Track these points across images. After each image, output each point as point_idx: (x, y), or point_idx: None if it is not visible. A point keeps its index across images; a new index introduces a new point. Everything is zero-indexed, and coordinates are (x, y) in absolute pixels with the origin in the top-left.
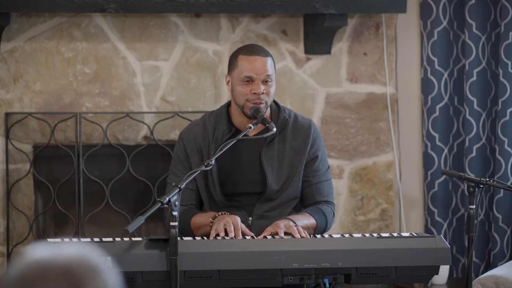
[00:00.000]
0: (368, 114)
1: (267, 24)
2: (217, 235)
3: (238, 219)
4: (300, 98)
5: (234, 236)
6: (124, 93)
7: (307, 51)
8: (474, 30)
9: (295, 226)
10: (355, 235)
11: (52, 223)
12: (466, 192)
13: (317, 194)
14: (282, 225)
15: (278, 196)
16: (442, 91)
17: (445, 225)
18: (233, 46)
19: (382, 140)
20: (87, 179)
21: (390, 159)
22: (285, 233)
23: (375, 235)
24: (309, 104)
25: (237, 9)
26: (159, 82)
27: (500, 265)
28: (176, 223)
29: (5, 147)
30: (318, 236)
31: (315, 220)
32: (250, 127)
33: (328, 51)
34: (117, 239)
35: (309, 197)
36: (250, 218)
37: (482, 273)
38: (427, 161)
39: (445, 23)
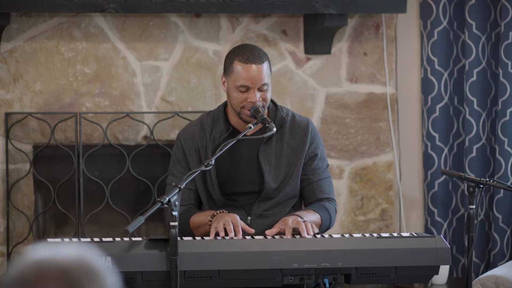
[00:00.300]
0: (368, 114)
1: (267, 24)
2: (217, 234)
3: (237, 217)
4: (300, 98)
5: (235, 234)
6: (124, 93)
7: (307, 51)
8: (474, 30)
9: (303, 221)
10: (355, 235)
11: (52, 223)
12: (466, 192)
13: (318, 191)
14: (290, 221)
15: (276, 195)
16: (442, 91)
17: (445, 225)
18: (233, 46)
19: (382, 140)
20: (87, 179)
21: (390, 159)
22: (293, 230)
23: (375, 235)
24: (309, 104)
25: (237, 9)
26: (159, 82)
27: (500, 265)
28: (176, 223)
29: (5, 147)
30: (318, 236)
31: (320, 216)
32: (250, 127)
33: (328, 51)
34: (117, 239)
35: (311, 195)
36: (249, 218)
37: (482, 273)
38: (427, 161)
39: (445, 23)
